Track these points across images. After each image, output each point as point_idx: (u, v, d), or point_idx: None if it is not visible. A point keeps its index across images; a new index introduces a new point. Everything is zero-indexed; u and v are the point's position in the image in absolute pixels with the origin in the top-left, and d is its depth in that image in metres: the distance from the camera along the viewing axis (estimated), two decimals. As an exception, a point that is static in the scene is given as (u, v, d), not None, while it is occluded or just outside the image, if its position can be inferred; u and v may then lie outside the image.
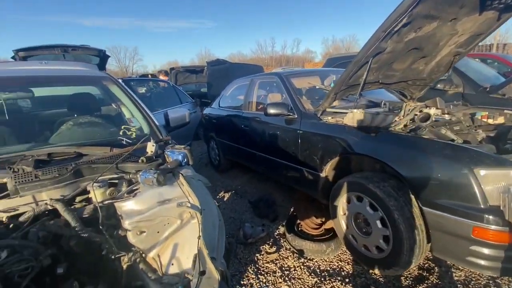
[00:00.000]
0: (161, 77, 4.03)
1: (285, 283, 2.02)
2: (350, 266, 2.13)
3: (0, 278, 0.82)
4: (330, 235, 2.34)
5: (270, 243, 2.51)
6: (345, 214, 2.00)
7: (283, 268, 2.20)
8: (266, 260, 2.31)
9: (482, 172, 1.28)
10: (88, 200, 1.13)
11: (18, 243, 0.87)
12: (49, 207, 1.02)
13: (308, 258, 2.28)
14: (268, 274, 2.14)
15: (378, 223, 1.71)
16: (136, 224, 0.99)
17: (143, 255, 1.03)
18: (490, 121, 2.19)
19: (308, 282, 2.00)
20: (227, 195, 3.58)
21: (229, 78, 4.04)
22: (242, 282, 2.10)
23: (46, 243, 0.99)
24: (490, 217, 1.26)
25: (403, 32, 1.77)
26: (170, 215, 1.00)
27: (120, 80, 2.06)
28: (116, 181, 1.18)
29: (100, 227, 0.97)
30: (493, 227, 1.25)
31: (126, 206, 1.04)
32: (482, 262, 1.33)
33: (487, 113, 2.27)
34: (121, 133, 1.45)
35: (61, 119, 1.69)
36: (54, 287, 0.93)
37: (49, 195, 1.05)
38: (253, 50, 57.87)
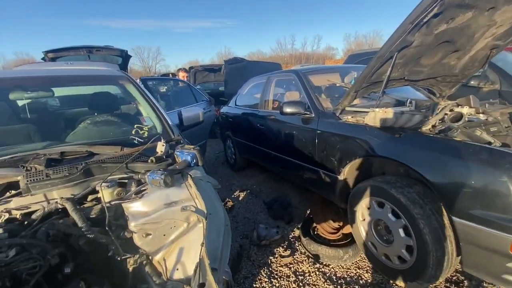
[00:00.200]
0: (181, 74, 4.07)
1: (299, 289, 1.94)
2: (369, 274, 2.01)
3: (8, 276, 0.82)
4: (348, 241, 2.22)
5: (285, 246, 2.43)
6: (364, 219, 1.88)
7: (297, 273, 2.12)
8: (279, 264, 2.24)
9: (524, 180, 1.13)
10: (98, 200, 1.13)
11: (26, 242, 0.87)
12: (60, 206, 1.02)
13: (324, 263, 2.18)
14: (282, 278, 2.07)
15: (401, 231, 1.58)
16: (141, 227, 0.97)
17: (149, 257, 1.01)
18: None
19: (323, 289, 1.91)
20: (242, 195, 3.54)
21: (247, 76, 4.00)
22: (254, 285, 2.04)
23: (55, 242, 0.99)
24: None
25: (433, 24, 1.62)
26: (176, 218, 0.96)
27: (137, 79, 2.07)
28: (126, 181, 1.17)
29: (107, 228, 0.96)
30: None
31: (133, 207, 1.02)
32: (522, 281, 1.18)
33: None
34: (133, 132, 1.45)
35: (80, 118, 1.73)
36: (61, 286, 0.92)
37: (60, 194, 1.06)
38: (272, 48, 57.56)
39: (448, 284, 1.78)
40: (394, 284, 1.80)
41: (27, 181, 1.01)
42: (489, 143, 1.33)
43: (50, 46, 4.57)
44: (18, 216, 1.02)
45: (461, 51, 1.98)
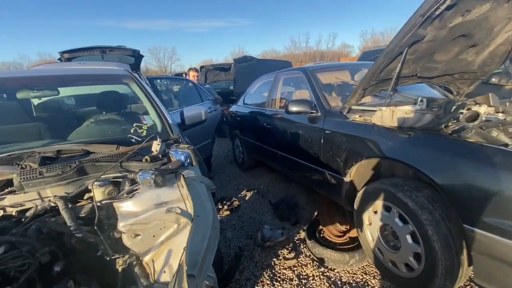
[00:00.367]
0: (191, 74, 4.09)
1: (301, 293, 1.89)
2: (376, 280, 1.92)
3: None
4: (354, 245, 2.14)
5: (289, 248, 2.38)
6: (371, 224, 1.80)
7: (301, 276, 2.07)
8: (283, 266, 2.19)
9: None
10: (92, 199, 1.12)
11: (15, 240, 0.88)
12: (53, 204, 1.02)
13: (329, 267, 2.11)
14: (284, 281, 2.02)
15: (408, 238, 1.49)
16: (130, 227, 0.95)
17: (139, 258, 0.99)
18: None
19: (327, 295, 1.85)
20: (249, 194, 3.51)
21: (256, 75, 3.95)
22: (256, 287, 2.01)
23: (47, 240, 0.99)
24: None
25: (446, 17, 1.51)
26: (166, 219, 0.94)
27: (139, 78, 2.07)
28: (120, 180, 1.16)
29: (95, 227, 0.95)
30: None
31: (123, 207, 1.01)
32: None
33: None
34: (132, 131, 1.44)
35: (84, 116, 1.75)
36: (50, 285, 0.92)
37: (54, 192, 1.06)
38: (286, 46, 57.06)
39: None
40: (401, 293, 1.71)
41: (21, 178, 1.02)
42: (506, 145, 1.22)
43: (70, 47, 4.71)
44: (14, 213, 1.04)
45: (479, 46, 1.84)
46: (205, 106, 3.41)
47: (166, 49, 53.98)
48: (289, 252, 2.33)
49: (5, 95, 1.67)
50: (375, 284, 1.89)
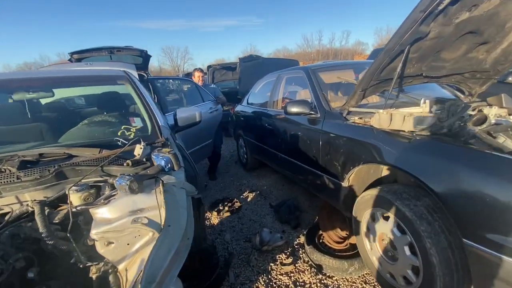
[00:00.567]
0: (196, 74, 4.07)
1: (296, 301, 1.83)
2: (376, 291, 1.83)
3: None
4: (355, 252, 2.05)
5: (288, 253, 2.32)
6: (369, 232, 1.71)
7: (297, 283, 2.00)
8: (280, 272, 2.14)
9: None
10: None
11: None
12: (30, 209, 1.01)
13: (327, 275, 2.04)
14: (280, 288, 1.97)
15: (406, 249, 1.40)
16: (102, 235, 0.93)
17: (114, 267, 0.97)
18: None
19: (322, 304, 1.78)
20: (251, 195, 3.47)
21: (262, 74, 3.89)
22: (250, 293, 1.97)
23: (25, 246, 0.99)
24: None
25: (451, 12, 1.40)
26: (140, 227, 0.91)
27: (136, 79, 2.06)
28: (101, 184, 1.14)
29: (68, 234, 0.93)
30: None
31: (98, 213, 0.98)
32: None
33: None
34: (119, 133, 1.42)
35: (81, 118, 1.76)
36: None
37: (33, 197, 1.06)
38: (299, 44, 56.34)
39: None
40: (400, 306, 1.62)
41: None
42: (513, 152, 1.10)
43: (88, 47, 4.82)
44: None
45: (491, 43, 1.70)
46: (206, 107, 3.38)
47: (179, 48, 54.71)
48: (287, 257, 2.27)
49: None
50: (374, 295, 1.80)
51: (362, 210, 1.71)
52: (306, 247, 2.23)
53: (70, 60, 4.79)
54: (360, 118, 1.85)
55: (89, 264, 0.94)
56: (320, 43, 48.69)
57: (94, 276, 0.96)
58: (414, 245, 1.33)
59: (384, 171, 1.76)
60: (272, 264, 2.21)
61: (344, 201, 1.92)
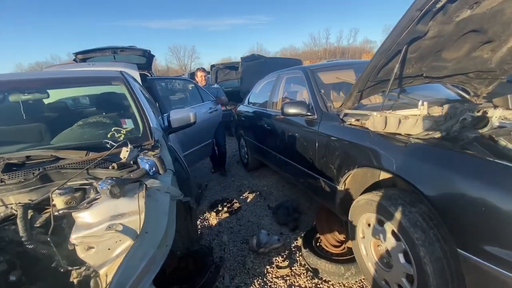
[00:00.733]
0: (199, 74, 4.07)
1: (290, 306, 1.80)
2: (373, 297, 1.78)
3: None
4: (352, 256, 2.00)
5: (284, 256, 2.29)
6: (364, 237, 1.66)
7: (293, 287, 1.97)
8: (275, 275, 2.11)
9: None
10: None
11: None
12: (14, 212, 1.01)
13: (324, 279, 2.00)
14: (274, 291, 1.94)
15: (401, 257, 1.35)
16: (82, 240, 0.92)
17: (96, 272, 0.96)
18: None
19: (317, 309, 1.75)
20: (251, 196, 3.44)
21: (264, 74, 3.86)
22: (244, 296, 1.95)
23: (8, 249, 0.98)
24: None
25: (451, 10, 1.33)
26: (114, 234, 0.89)
27: (132, 79, 2.05)
28: (87, 187, 1.13)
29: (48, 238, 0.92)
30: None
31: (80, 217, 0.98)
32: None
33: None
34: (109, 135, 1.42)
35: (79, 118, 1.76)
36: None
37: (18, 200, 1.06)
38: (306, 43, 55.84)
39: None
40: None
41: None
42: (513, 158, 1.04)
43: (94, 47, 4.88)
44: None
45: (496, 42, 1.63)
46: (206, 107, 3.37)
47: (186, 47, 54.94)
48: (284, 260, 2.24)
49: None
50: (370, 301, 1.76)
51: (358, 214, 1.66)
52: (303, 250, 2.20)
53: (75, 60, 4.85)
54: (357, 120, 1.80)
55: (70, 268, 0.93)
56: (327, 41, 48.19)
57: (75, 281, 0.95)
58: (409, 253, 1.28)
59: (382, 174, 1.71)
60: (268, 267, 2.19)
61: (340, 204, 1.88)
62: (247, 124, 3.79)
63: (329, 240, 2.23)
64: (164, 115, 2.00)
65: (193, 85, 3.60)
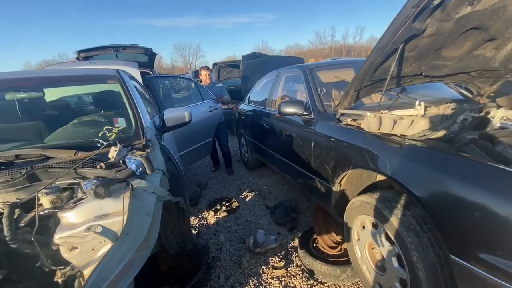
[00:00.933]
0: (203, 73, 4.06)
1: (284, 307, 1.78)
2: (368, 300, 1.75)
3: None
4: (349, 258, 1.97)
5: (280, 256, 2.27)
6: (359, 240, 1.63)
7: (288, 288, 1.96)
8: (271, 275, 2.09)
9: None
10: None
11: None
12: (1, 211, 1.01)
13: (319, 280, 1.97)
14: (269, 292, 1.93)
15: (394, 260, 1.32)
16: (65, 240, 0.91)
17: (81, 272, 0.95)
18: None
19: (312, 311, 1.73)
20: (250, 195, 3.43)
21: (265, 73, 3.83)
22: (238, 296, 1.94)
23: None
24: None
25: (450, 7, 1.29)
26: (93, 235, 0.88)
27: (128, 78, 2.05)
28: (75, 187, 1.13)
29: (32, 238, 0.92)
30: None
31: (64, 217, 0.97)
32: None
33: None
34: (100, 134, 1.41)
35: (75, 117, 1.76)
36: None
37: (5, 198, 1.06)
38: (311, 41, 55.44)
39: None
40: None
41: None
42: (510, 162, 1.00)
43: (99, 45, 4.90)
44: None
45: (499, 39, 1.57)
46: (206, 105, 3.36)
47: (191, 46, 55.11)
48: (280, 261, 2.22)
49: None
50: (366, 304, 1.73)
51: (353, 216, 1.63)
52: (299, 251, 2.18)
53: (77, 58, 4.89)
54: (354, 120, 1.76)
55: (54, 268, 0.93)
56: (333, 39, 47.76)
57: (59, 280, 0.95)
58: (402, 257, 1.25)
59: (379, 176, 1.67)
60: (263, 267, 2.18)
61: (335, 205, 1.85)
62: (247, 122, 3.78)
63: (325, 241, 2.20)
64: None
65: (193, 84, 3.59)
